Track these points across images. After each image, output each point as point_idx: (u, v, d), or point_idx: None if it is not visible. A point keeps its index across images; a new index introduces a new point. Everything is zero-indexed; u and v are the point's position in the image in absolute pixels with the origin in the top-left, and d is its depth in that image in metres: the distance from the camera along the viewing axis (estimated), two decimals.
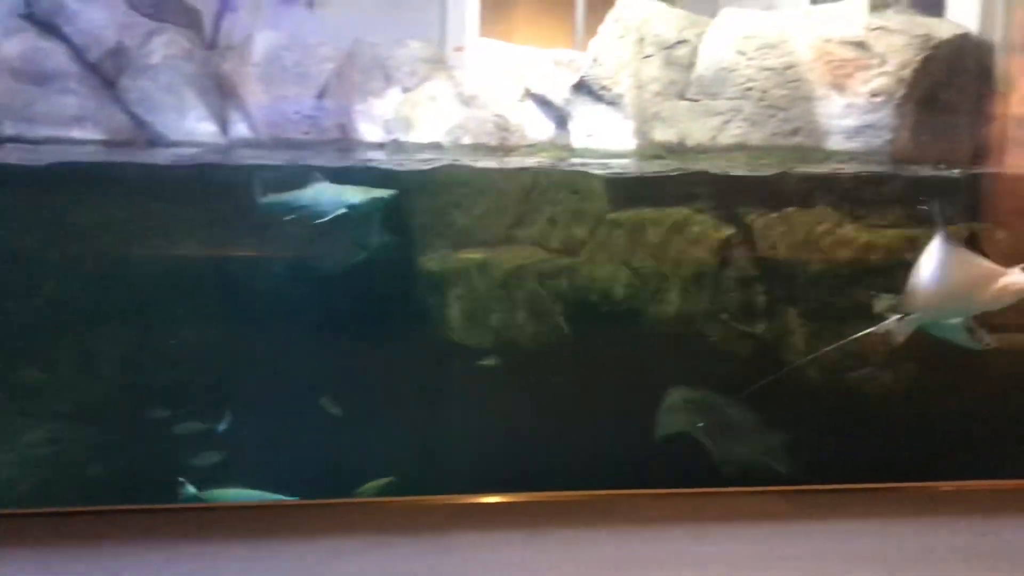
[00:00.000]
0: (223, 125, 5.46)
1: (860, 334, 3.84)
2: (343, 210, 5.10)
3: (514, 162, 5.33)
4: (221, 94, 5.45)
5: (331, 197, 5.12)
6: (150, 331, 5.18)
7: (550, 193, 5.39)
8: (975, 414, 4.94)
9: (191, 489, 4.61)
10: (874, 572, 3.17)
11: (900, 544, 3.38)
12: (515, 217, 5.47)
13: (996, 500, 3.80)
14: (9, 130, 5.05)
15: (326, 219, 5.09)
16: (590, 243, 5.28)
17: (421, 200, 5.35)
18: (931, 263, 3.51)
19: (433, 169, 5.30)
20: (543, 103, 5.30)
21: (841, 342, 4.20)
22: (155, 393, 5.07)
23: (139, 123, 5.26)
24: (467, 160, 5.33)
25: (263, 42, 5.48)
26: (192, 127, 5.36)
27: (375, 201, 5.19)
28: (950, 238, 3.50)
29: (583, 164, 5.22)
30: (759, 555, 3.27)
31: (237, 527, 3.46)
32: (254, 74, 5.45)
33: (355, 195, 5.15)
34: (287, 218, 5.14)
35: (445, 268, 5.33)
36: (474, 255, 5.34)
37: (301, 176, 5.23)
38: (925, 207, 3.70)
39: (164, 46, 5.38)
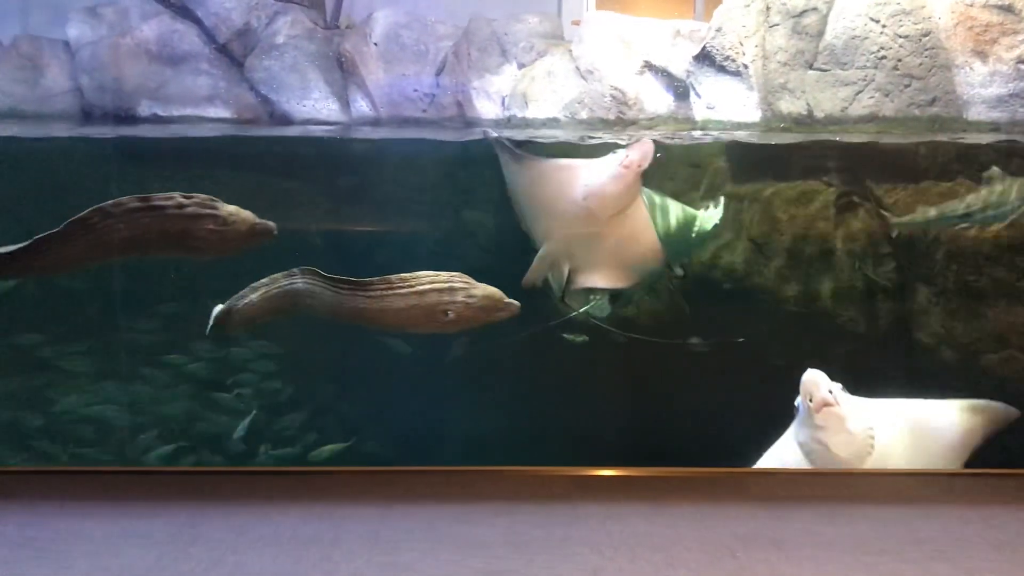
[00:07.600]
0: (344, 103, 5.56)
1: None
2: None
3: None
4: (342, 73, 5.54)
5: None
6: None
7: (669, 168, 5.31)
8: None
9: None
10: (1014, 558, 3.01)
11: None
12: None
13: None
14: (145, 110, 5.27)
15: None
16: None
17: None
18: None
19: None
20: (663, 75, 5.19)
21: None
22: None
23: (264, 101, 5.40)
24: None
25: (383, 20, 5.53)
26: (314, 105, 5.48)
27: None
28: None
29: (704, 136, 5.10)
30: (893, 536, 3.15)
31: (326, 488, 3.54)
32: (374, 52, 5.51)
33: None
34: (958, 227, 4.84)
35: None
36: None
37: None
38: None
39: (288, 26, 5.49)
